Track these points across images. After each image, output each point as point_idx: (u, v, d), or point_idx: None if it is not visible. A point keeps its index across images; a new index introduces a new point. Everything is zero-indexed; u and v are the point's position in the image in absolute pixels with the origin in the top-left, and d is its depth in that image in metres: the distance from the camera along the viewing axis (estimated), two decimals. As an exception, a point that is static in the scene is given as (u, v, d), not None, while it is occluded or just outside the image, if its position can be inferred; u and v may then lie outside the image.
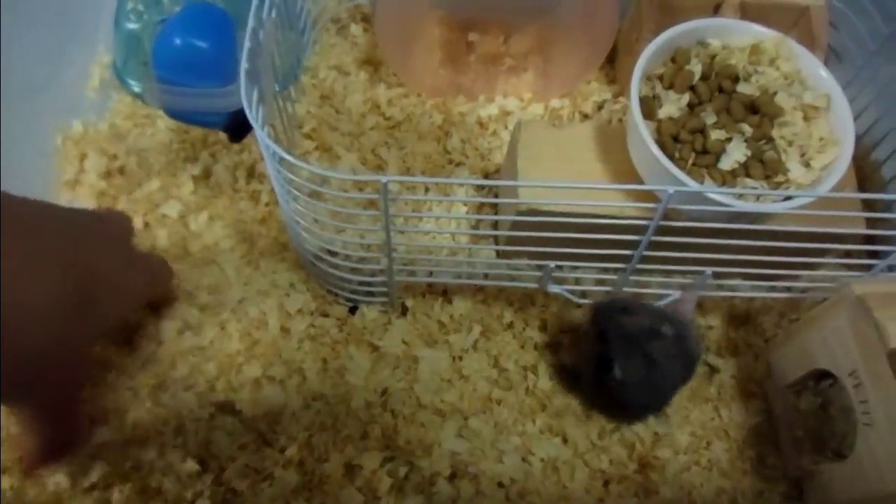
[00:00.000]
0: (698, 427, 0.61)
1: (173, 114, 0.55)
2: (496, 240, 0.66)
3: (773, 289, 0.63)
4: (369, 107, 0.72)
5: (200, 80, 0.52)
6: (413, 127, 0.71)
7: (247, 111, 0.47)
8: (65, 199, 0.66)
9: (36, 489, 0.52)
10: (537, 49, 0.75)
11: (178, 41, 0.50)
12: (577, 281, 0.63)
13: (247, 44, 0.48)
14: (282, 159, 0.47)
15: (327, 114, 0.70)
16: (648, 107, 0.54)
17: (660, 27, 0.58)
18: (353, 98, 0.72)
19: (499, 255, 0.64)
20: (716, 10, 0.69)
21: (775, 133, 0.53)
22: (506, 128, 0.73)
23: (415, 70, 0.74)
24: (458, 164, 0.70)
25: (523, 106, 0.75)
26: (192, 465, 0.52)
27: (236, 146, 0.69)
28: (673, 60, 0.57)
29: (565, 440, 0.59)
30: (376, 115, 0.72)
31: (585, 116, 0.75)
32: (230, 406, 0.57)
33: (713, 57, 0.56)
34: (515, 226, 0.58)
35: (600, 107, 0.75)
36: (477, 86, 0.76)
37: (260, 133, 0.46)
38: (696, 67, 0.55)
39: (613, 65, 0.78)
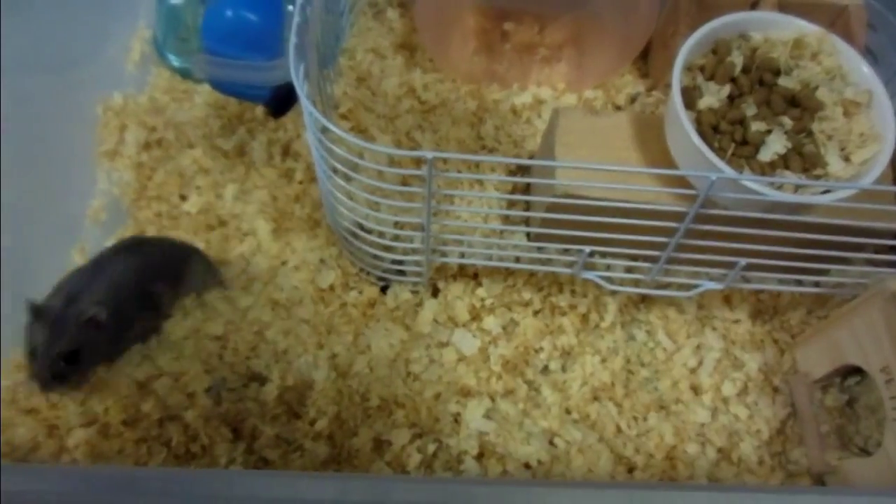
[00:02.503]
0: (730, 422, 0.61)
1: (218, 86, 0.55)
2: (527, 223, 0.66)
3: (800, 283, 0.63)
4: (405, 90, 0.73)
5: (248, 53, 0.52)
6: (447, 112, 0.72)
7: (295, 83, 0.47)
8: (103, 168, 0.67)
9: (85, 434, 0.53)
10: (572, 40, 0.75)
11: (229, 13, 0.51)
12: (608, 268, 0.64)
13: (296, 18, 0.49)
14: (325, 129, 0.47)
15: (363, 95, 0.71)
16: (689, 97, 0.55)
17: (696, 22, 0.58)
18: (389, 81, 0.72)
19: (530, 239, 0.65)
20: (752, 7, 0.69)
21: (815, 127, 0.53)
22: (539, 116, 0.73)
23: (451, 56, 0.74)
24: (491, 150, 0.71)
25: (557, 96, 0.75)
26: (226, 433, 0.53)
27: (272, 123, 0.70)
28: (714, 52, 0.57)
29: (592, 426, 0.59)
30: (411, 98, 0.72)
31: (618, 108, 0.75)
32: (262, 377, 0.57)
33: (755, 50, 0.56)
34: (551, 209, 0.58)
35: (633, 99, 0.76)
36: (511, 74, 0.77)
37: (305, 101, 0.47)
38: (737, 59, 0.55)
39: (647, 59, 0.79)
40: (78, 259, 0.62)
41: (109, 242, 0.64)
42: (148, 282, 0.56)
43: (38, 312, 0.49)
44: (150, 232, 0.65)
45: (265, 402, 0.56)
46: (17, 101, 0.59)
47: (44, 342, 0.48)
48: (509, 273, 0.65)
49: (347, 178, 0.51)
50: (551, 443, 0.58)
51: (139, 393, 0.53)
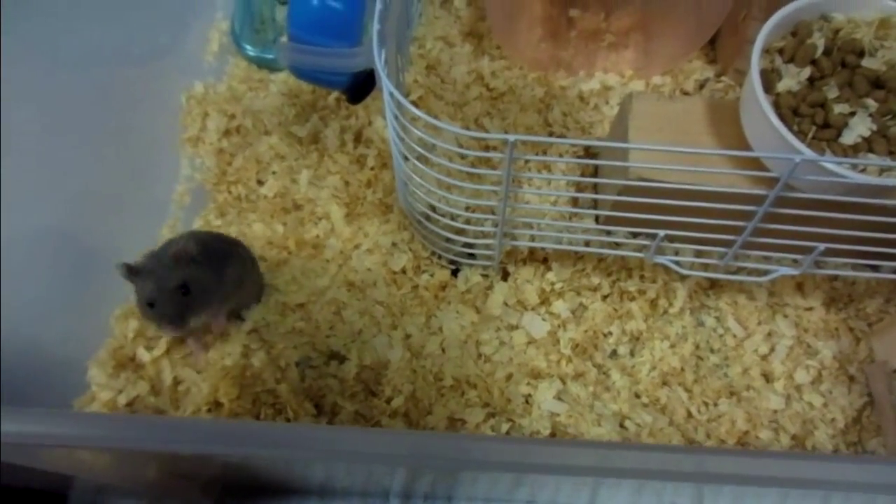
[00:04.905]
0: (803, 409, 0.60)
1: (301, 73, 0.57)
2: (595, 207, 0.66)
3: (876, 269, 0.62)
4: (473, 78, 0.74)
5: (332, 40, 0.54)
6: (515, 99, 0.73)
7: (377, 68, 0.49)
8: (186, 154, 0.70)
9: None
10: (639, 26, 0.75)
11: (315, 2, 0.53)
12: (677, 252, 0.63)
13: (379, 5, 0.50)
14: (402, 108, 0.48)
15: (433, 83, 0.72)
16: (767, 80, 0.54)
17: (771, 5, 0.58)
18: (458, 69, 0.73)
19: (598, 223, 0.65)
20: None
21: (901, 109, 0.52)
22: (606, 103, 0.74)
23: (518, 43, 0.75)
24: (559, 137, 0.71)
25: (624, 82, 0.75)
26: (310, 408, 0.55)
27: (344, 111, 0.72)
28: (794, 34, 0.56)
29: (662, 410, 0.60)
30: (480, 85, 0.73)
31: (686, 94, 0.75)
32: (341, 356, 0.59)
33: (837, 31, 0.55)
34: (623, 192, 0.58)
35: (702, 85, 0.75)
36: (577, 61, 0.77)
37: (388, 84, 0.48)
38: (818, 41, 0.54)
39: (714, 44, 0.78)
40: (168, 234, 0.66)
41: (195, 225, 0.67)
42: (227, 242, 0.59)
43: (132, 270, 0.52)
44: (230, 215, 0.68)
45: (345, 380, 0.58)
46: (107, 93, 0.63)
47: (153, 288, 0.51)
48: (578, 258, 0.65)
49: (423, 161, 0.52)
50: (622, 425, 0.59)
51: (242, 366, 0.55)
